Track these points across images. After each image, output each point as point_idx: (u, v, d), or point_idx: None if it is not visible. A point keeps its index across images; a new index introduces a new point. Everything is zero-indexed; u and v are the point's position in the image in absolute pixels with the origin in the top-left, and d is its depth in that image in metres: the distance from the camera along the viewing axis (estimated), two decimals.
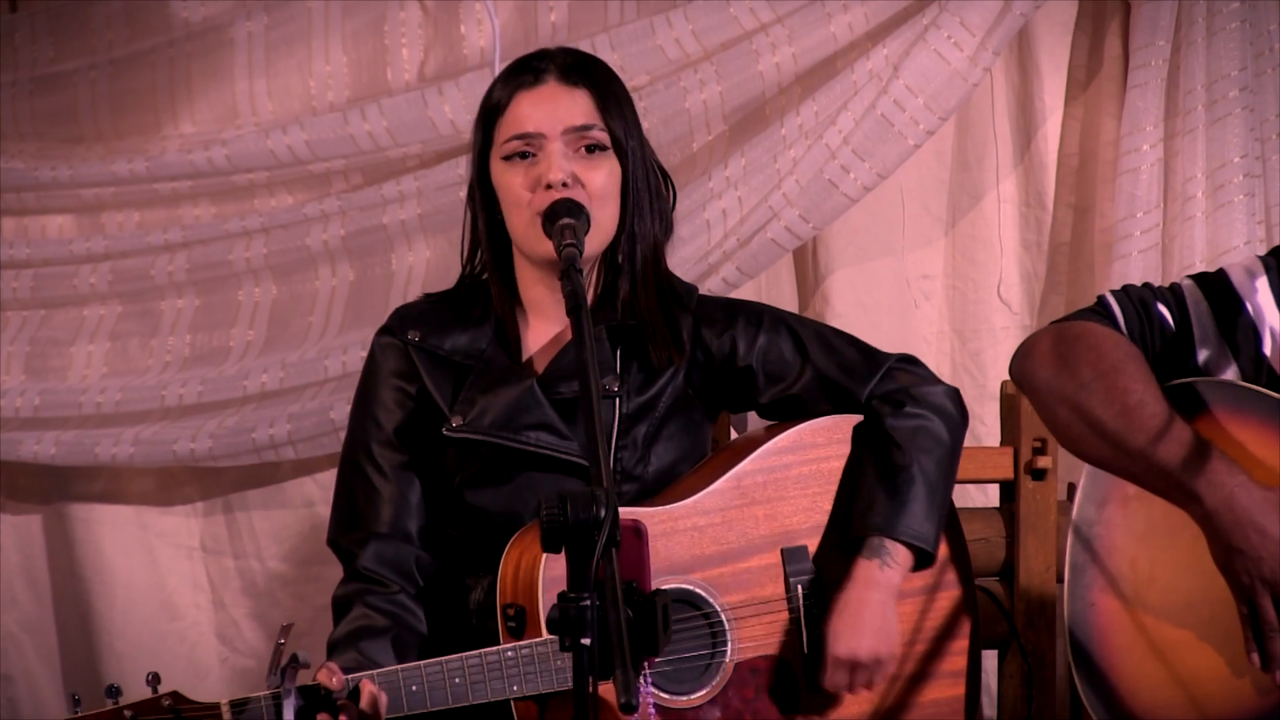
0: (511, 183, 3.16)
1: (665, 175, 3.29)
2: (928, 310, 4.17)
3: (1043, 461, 3.70)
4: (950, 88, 3.92)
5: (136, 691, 2.84)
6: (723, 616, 3.14)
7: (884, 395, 3.24)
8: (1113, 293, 3.13)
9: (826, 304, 4.12)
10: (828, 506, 3.21)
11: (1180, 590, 3.04)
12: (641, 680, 3.04)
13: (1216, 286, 3.10)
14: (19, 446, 4.06)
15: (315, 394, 4.01)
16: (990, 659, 3.81)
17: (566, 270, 2.92)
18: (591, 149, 3.15)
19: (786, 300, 4.15)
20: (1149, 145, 3.99)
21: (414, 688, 2.93)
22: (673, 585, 3.11)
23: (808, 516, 3.21)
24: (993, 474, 3.75)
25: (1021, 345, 3.15)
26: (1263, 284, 3.08)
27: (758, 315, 3.30)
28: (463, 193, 3.93)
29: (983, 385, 4.12)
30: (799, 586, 3.17)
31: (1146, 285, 3.15)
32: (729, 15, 3.92)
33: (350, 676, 2.90)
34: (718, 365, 3.26)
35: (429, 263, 4.05)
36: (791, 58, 3.93)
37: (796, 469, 3.22)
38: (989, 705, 3.86)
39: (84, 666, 4.19)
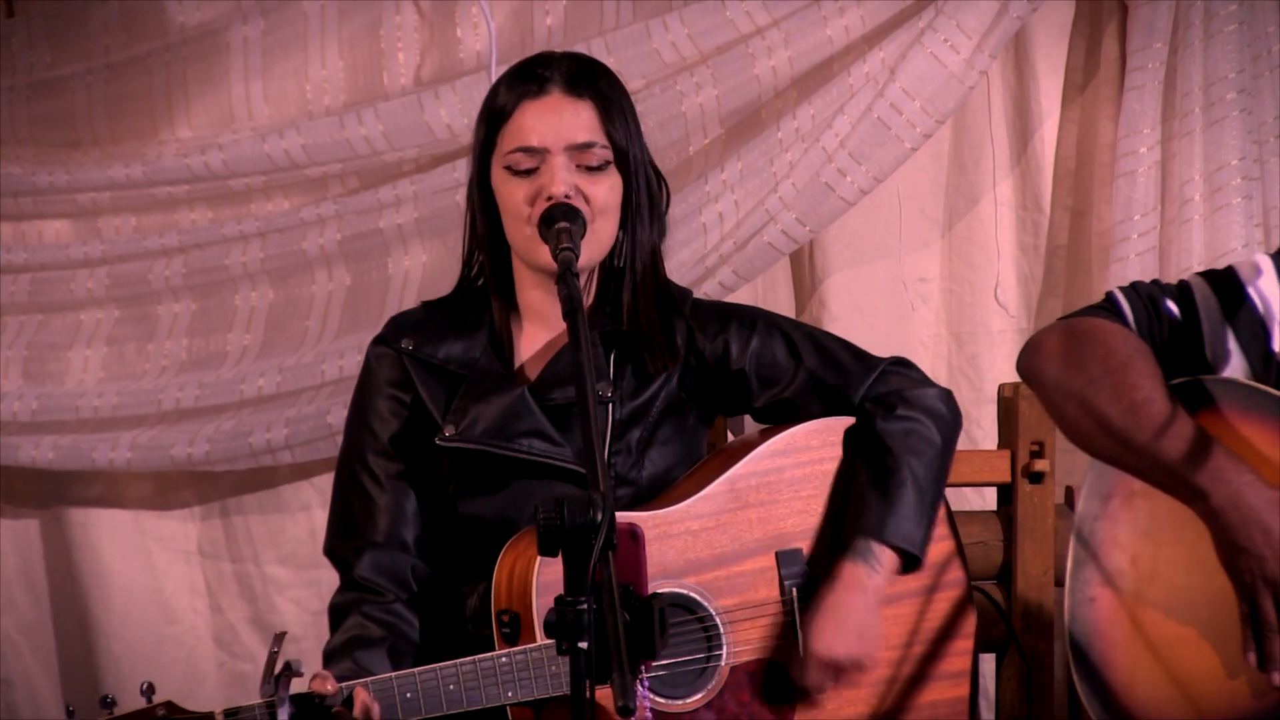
0: (513, 193, 3.16)
1: (660, 175, 3.29)
2: (924, 313, 4.17)
3: (1040, 465, 3.70)
4: (947, 91, 3.92)
5: (132, 697, 2.83)
6: (717, 620, 3.14)
7: (876, 398, 3.24)
8: (1121, 289, 3.13)
9: (823, 307, 4.12)
10: (821, 509, 3.21)
11: (1181, 588, 3.04)
12: (639, 684, 3.04)
13: (1224, 283, 3.09)
14: (17, 451, 4.06)
15: (312, 398, 4.01)
16: (988, 662, 3.81)
17: (563, 274, 2.93)
18: (592, 166, 3.15)
19: (783, 304, 4.15)
20: (1146, 148, 3.99)
21: (409, 695, 2.93)
22: (667, 589, 3.11)
23: (802, 519, 3.20)
24: (990, 477, 3.75)
25: (1029, 341, 3.15)
26: (1271, 281, 3.08)
27: (751, 319, 3.30)
28: (459, 196, 3.95)
29: (980, 388, 4.11)
30: (793, 589, 3.17)
31: (1155, 282, 3.14)
32: (725, 18, 3.92)
33: (344, 684, 2.90)
34: (711, 369, 3.26)
35: (425, 267, 4.05)
36: (788, 61, 3.93)
37: (790, 472, 3.22)
38: (987, 708, 3.86)
39: (82, 670, 4.19)
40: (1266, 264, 3.10)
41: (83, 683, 4.17)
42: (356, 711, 2.89)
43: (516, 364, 3.23)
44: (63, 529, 4.18)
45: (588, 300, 3.22)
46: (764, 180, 3.95)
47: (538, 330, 3.25)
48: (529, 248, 3.15)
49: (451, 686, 2.95)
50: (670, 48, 3.92)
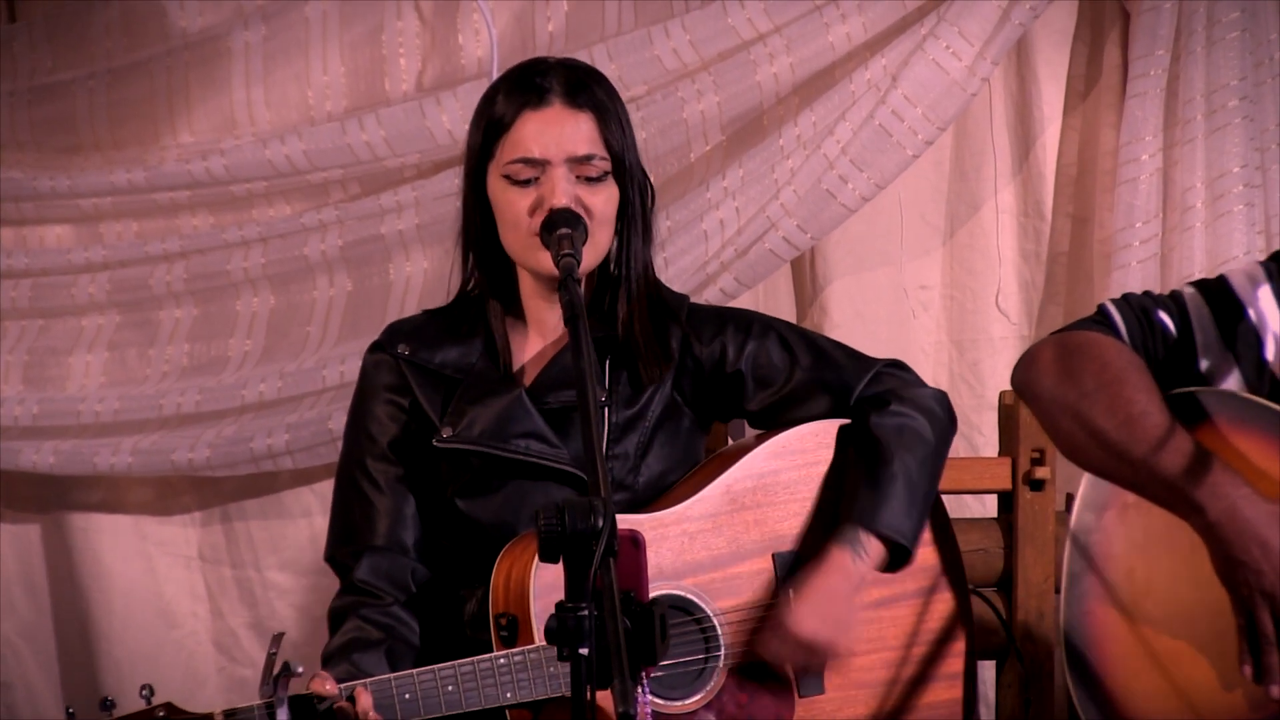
0: (512, 202, 3.17)
1: (646, 177, 3.29)
2: (926, 320, 4.17)
3: (1041, 472, 3.69)
4: (948, 97, 3.92)
5: (132, 701, 2.84)
6: (715, 622, 3.14)
7: (871, 397, 3.25)
8: (1113, 301, 3.13)
9: (824, 314, 4.12)
10: (818, 511, 3.21)
11: (1177, 601, 3.04)
12: (640, 690, 3.04)
13: (1217, 292, 3.09)
14: (18, 456, 4.06)
15: (313, 404, 4.01)
16: (988, 669, 3.81)
17: (564, 280, 2.94)
18: (591, 178, 3.16)
19: (784, 310, 4.15)
20: (1148, 155, 3.99)
21: (407, 695, 2.94)
22: (664, 591, 3.11)
23: (798, 521, 3.21)
24: (991, 484, 3.75)
25: (1024, 355, 3.15)
26: (1265, 289, 3.08)
27: (747, 322, 3.31)
28: (460, 203, 3.95)
29: (981, 395, 4.11)
30: (790, 591, 3.17)
31: (1146, 293, 3.14)
32: (727, 25, 3.92)
33: (343, 685, 2.91)
34: (708, 373, 3.27)
35: (426, 273, 4.05)
36: (789, 68, 3.93)
37: (786, 474, 3.23)
38: (986, 715, 3.86)
39: (82, 675, 4.19)
40: (1259, 272, 3.10)
41: (83, 687, 4.17)
42: (360, 710, 2.89)
43: (514, 369, 3.24)
44: (63, 534, 4.18)
45: (587, 304, 3.23)
46: (765, 187, 3.95)
47: (535, 335, 3.27)
48: (529, 255, 3.16)
49: (450, 688, 2.95)
50: (672, 54, 3.92)
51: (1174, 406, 2.99)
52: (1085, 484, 3.16)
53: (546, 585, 2.98)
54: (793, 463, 3.24)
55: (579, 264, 3.02)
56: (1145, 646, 3.04)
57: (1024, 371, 3.12)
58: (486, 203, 3.23)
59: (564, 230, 3.07)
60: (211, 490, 4.18)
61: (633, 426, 3.22)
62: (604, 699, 2.42)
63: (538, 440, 3.16)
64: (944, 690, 3.27)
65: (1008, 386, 3.90)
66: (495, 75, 3.93)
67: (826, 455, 3.25)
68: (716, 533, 3.17)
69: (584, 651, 2.43)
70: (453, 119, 3.94)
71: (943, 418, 3.26)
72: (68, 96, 4.06)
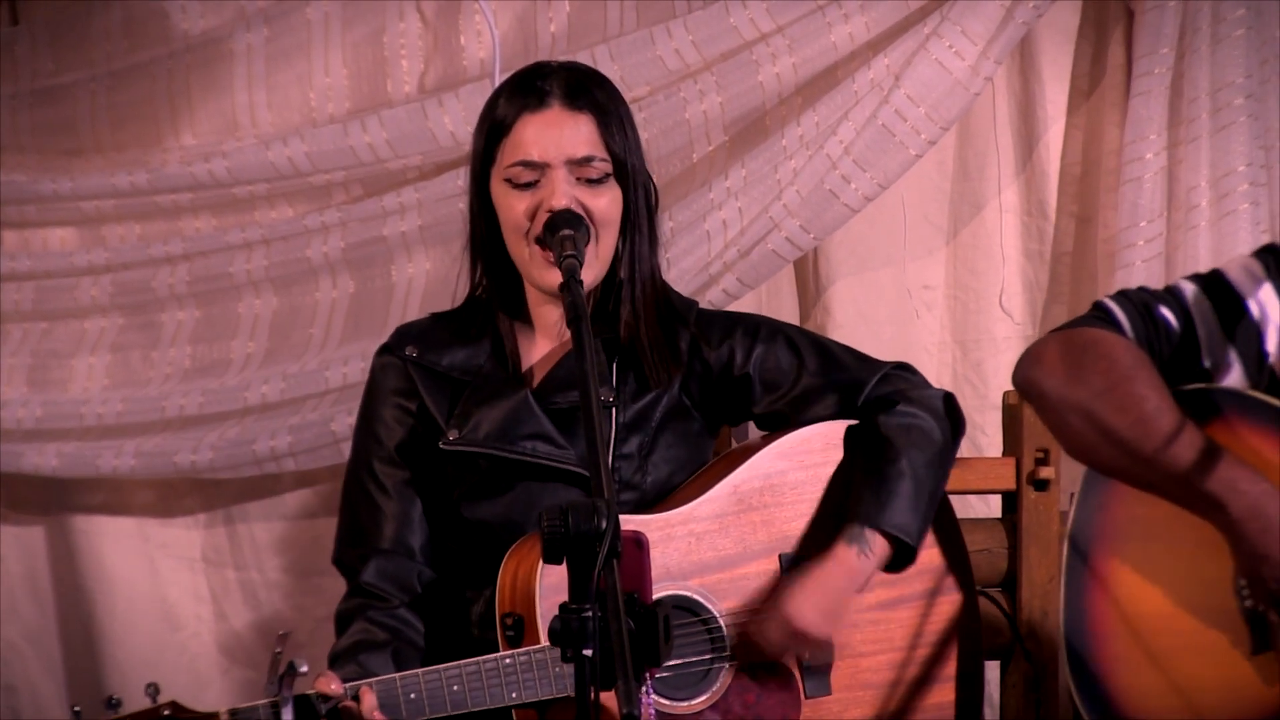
0: (513, 206, 3.17)
1: (649, 179, 3.29)
2: (929, 321, 4.16)
3: (1045, 472, 3.69)
4: (952, 97, 3.91)
5: (138, 702, 2.83)
6: (721, 623, 3.14)
7: (878, 398, 3.26)
8: (1111, 298, 3.12)
9: (828, 315, 4.11)
10: (824, 511, 3.21)
11: (1176, 598, 3.04)
12: (644, 691, 3.04)
13: (1216, 285, 3.09)
14: (21, 458, 4.07)
15: (316, 406, 4.01)
16: (993, 669, 3.81)
17: (567, 282, 2.94)
18: (592, 180, 3.16)
19: (787, 311, 4.14)
20: (1152, 154, 3.98)
21: (413, 695, 2.94)
22: (670, 592, 3.11)
23: (805, 522, 3.21)
24: (995, 484, 3.74)
25: (1026, 353, 3.14)
26: (1266, 285, 3.07)
27: (755, 326, 3.31)
28: (463, 204, 3.95)
29: (984, 395, 4.11)
30: (793, 580, 3.17)
31: (1144, 289, 3.14)
32: (729, 25, 3.92)
33: (349, 685, 2.91)
34: (715, 376, 3.27)
35: (429, 274, 4.05)
36: (792, 68, 3.93)
37: (793, 475, 3.23)
38: (991, 715, 3.85)
39: (86, 677, 4.19)
40: (1256, 265, 3.10)
41: (87, 689, 4.17)
42: (364, 709, 2.89)
43: (521, 370, 3.24)
44: (67, 536, 4.19)
45: (590, 308, 3.23)
46: (768, 187, 3.95)
47: (542, 337, 3.27)
48: (529, 269, 3.18)
49: (455, 687, 2.95)
50: (674, 54, 3.92)
51: (1181, 402, 2.99)
52: (1082, 482, 3.15)
53: (552, 586, 2.98)
54: (800, 463, 3.24)
55: (581, 265, 3.01)
56: (1144, 643, 3.05)
57: (1028, 370, 3.11)
58: (492, 207, 3.23)
59: (566, 231, 3.07)
60: (214, 492, 4.18)
61: (639, 427, 3.22)
62: (608, 700, 2.42)
63: (544, 442, 3.16)
64: (950, 691, 3.27)
65: (1011, 386, 3.90)
66: (497, 76, 3.93)
67: (834, 456, 3.25)
68: (723, 533, 3.17)
69: (588, 652, 2.43)
70: (455, 120, 3.94)
71: (948, 418, 3.27)
72: (69, 99, 4.07)
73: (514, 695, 2.97)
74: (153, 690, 2.80)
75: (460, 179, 3.97)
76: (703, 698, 3.14)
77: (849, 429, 3.26)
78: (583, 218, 3.12)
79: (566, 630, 2.45)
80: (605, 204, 3.17)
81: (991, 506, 3.91)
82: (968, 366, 4.16)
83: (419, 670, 2.96)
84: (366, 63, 4.07)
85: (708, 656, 3.15)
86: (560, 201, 3.13)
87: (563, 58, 3.88)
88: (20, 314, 4.12)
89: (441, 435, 3.19)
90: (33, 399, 4.09)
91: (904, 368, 3.32)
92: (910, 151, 3.92)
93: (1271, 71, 3.99)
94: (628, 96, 3.76)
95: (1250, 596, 2.96)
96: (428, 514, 3.24)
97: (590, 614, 2.44)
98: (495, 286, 3.26)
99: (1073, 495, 3.77)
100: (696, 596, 3.14)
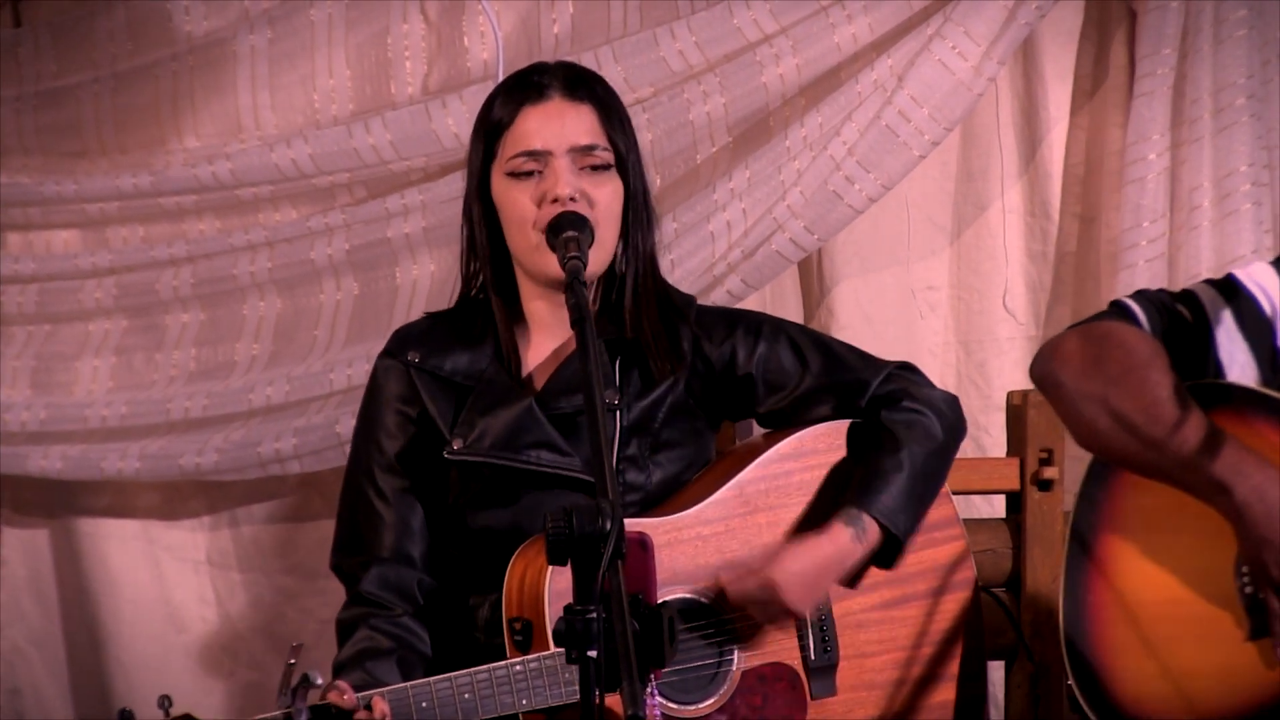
0: (517, 199, 3.17)
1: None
2: (933, 321, 4.16)
3: (1049, 472, 3.69)
4: (955, 98, 3.91)
5: (142, 707, 2.82)
6: (729, 626, 3.14)
7: (882, 396, 3.26)
8: (1130, 296, 3.14)
9: (831, 316, 4.11)
10: (829, 510, 3.21)
11: (1175, 585, 3.05)
12: (649, 693, 3.04)
13: (1228, 287, 3.11)
14: (25, 461, 4.07)
15: (320, 408, 4.01)
16: (997, 669, 3.81)
17: (571, 283, 2.92)
18: (595, 168, 3.16)
19: (791, 312, 4.14)
20: (1155, 154, 3.98)
21: (424, 704, 2.93)
22: (679, 595, 3.11)
23: (811, 523, 3.21)
24: (999, 485, 3.74)
25: (1044, 347, 3.16)
26: (1273, 280, 3.09)
27: (757, 324, 3.31)
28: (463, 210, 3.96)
29: (988, 396, 4.11)
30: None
31: (1161, 290, 3.16)
32: (733, 26, 3.92)
33: (361, 695, 2.90)
34: (718, 374, 3.27)
35: (433, 276, 4.05)
36: (795, 69, 3.93)
37: (798, 475, 3.23)
38: (996, 715, 3.85)
39: (92, 680, 4.19)
40: (1266, 267, 3.12)
41: (92, 692, 4.17)
42: (376, 717, 2.88)
43: (523, 374, 3.24)
44: (72, 539, 4.19)
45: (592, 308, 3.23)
46: (772, 188, 3.95)
47: (543, 340, 3.26)
48: (533, 258, 3.16)
49: (466, 695, 2.95)
50: (678, 56, 3.92)
51: (1194, 396, 3.00)
52: (1086, 472, 3.16)
53: (561, 590, 2.98)
54: (805, 464, 3.24)
55: (585, 267, 3.01)
56: (1141, 630, 3.05)
57: (1046, 363, 3.13)
58: (492, 210, 3.22)
59: (570, 233, 3.06)
60: (219, 494, 4.18)
61: (643, 427, 3.22)
62: (614, 702, 2.42)
63: (549, 450, 3.16)
64: (954, 689, 3.28)
65: (1016, 387, 3.91)
66: (501, 77, 3.92)
67: (838, 457, 3.25)
68: (730, 535, 3.17)
69: (593, 654, 2.43)
70: (459, 122, 3.94)
71: (952, 419, 3.27)
72: (73, 101, 4.07)
73: (524, 702, 2.97)
74: (166, 703, 2.79)
75: (463, 180, 3.97)
76: (710, 700, 3.14)
77: (852, 426, 3.26)
78: (586, 219, 3.11)
79: (571, 632, 2.45)
80: (609, 194, 3.17)
81: (995, 507, 3.91)
82: (971, 367, 4.16)
83: (430, 679, 2.96)
84: (370, 64, 4.07)
85: (715, 660, 3.15)
86: (564, 190, 3.12)
87: (566, 59, 3.89)
88: (24, 316, 4.12)
89: (444, 442, 3.19)
90: (37, 401, 4.09)
91: (907, 368, 3.33)
92: (914, 152, 3.92)
93: (1274, 71, 3.99)
94: (631, 98, 3.78)
95: (1251, 582, 2.97)
96: (429, 520, 3.23)
97: (595, 615, 2.44)
98: (496, 289, 3.25)
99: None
100: (704, 599, 3.14)
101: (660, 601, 2.68)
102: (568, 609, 2.46)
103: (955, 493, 3.35)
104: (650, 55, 3.92)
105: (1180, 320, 3.09)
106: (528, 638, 3.01)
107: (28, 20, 4.14)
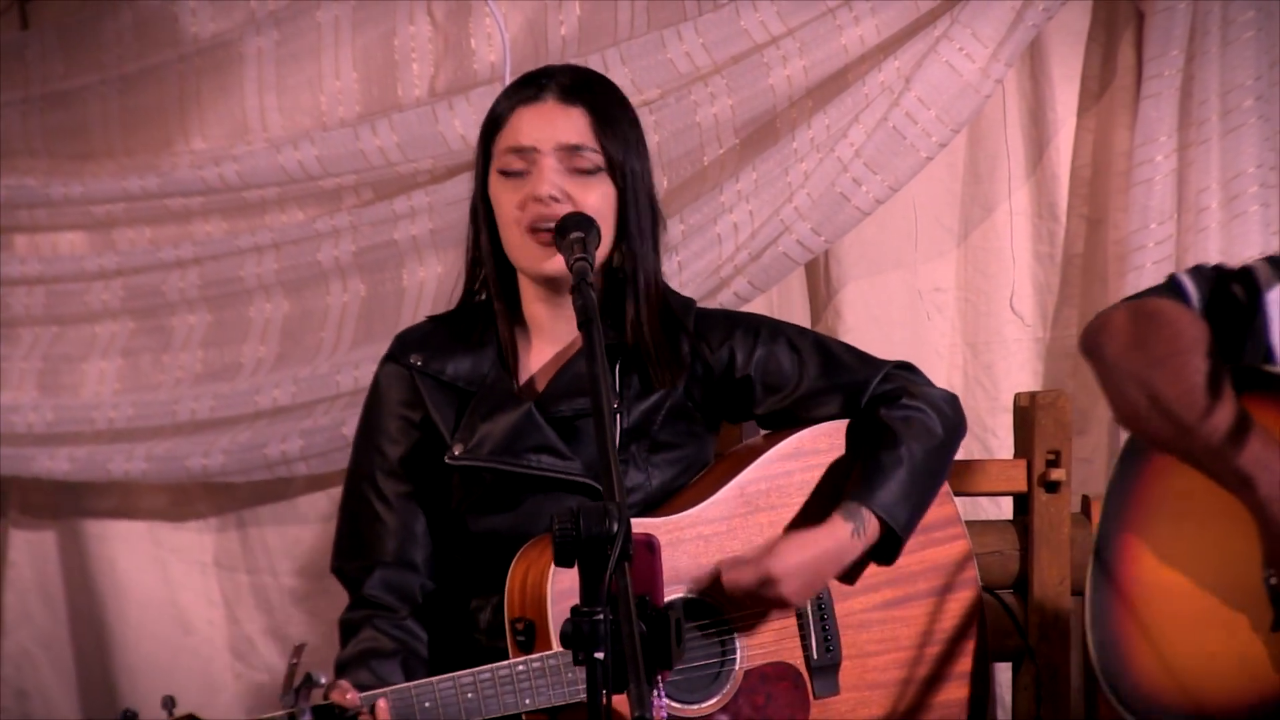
0: (504, 198, 3.18)
1: (651, 189, 3.28)
2: (940, 323, 4.16)
3: (1056, 474, 3.69)
4: (962, 99, 3.91)
5: (149, 709, 2.82)
6: (731, 625, 3.14)
7: (882, 395, 3.26)
8: (1186, 272, 3.13)
9: (838, 317, 4.11)
10: (829, 510, 3.21)
11: (1201, 572, 3.04)
12: (656, 695, 3.04)
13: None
14: (32, 463, 4.07)
15: (327, 409, 4.01)
16: (1004, 671, 3.81)
17: (577, 284, 2.92)
18: (583, 170, 3.16)
19: (798, 314, 4.14)
20: (1163, 156, 3.98)
21: (427, 704, 2.93)
22: (680, 595, 3.12)
23: (812, 523, 3.21)
24: (1006, 486, 3.74)
25: (1095, 319, 3.15)
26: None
27: (755, 326, 3.31)
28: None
29: (995, 397, 4.10)
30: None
31: (1218, 266, 3.14)
32: (739, 28, 3.92)
33: (364, 695, 2.90)
34: (717, 377, 3.27)
35: (440, 278, 4.05)
36: (803, 70, 3.93)
37: (799, 475, 3.23)
38: (1003, 717, 3.85)
39: (98, 682, 4.19)
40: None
41: (99, 694, 4.18)
42: (380, 718, 2.88)
43: (524, 378, 3.24)
44: (78, 541, 4.19)
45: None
46: (779, 190, 3.95)
47: (543, 343, 3.26)
48: (519, 253, 3.17)
49: (470, 695, 2.95)
50: (685, 57, 3.92)
51: (1239, 379, 2.99)
52: (1120, 455, 3.15)
53: (564, 590, 2.98)
54: (806, 464, 3.24)
55: (592, 268, 3.01)
56: (1164, 617, 3.05)
57: (1094, 336, 3.12)
58: (493, 211, 3.23)
59: (577, 234, 3.06)
60: (226, 496, 4.18)
61: (643, 430, 3.22)
62: (621, 703, 2.42)
63: (549, 454, 3.16)
64: (957, 689, 3.28)
65: (1023, 388, 3.91)
66: (508, 79, 3.93)
67: (839, 455, 3.26)
68: (731, 536, 3.17)
69: (599, 656, 2.43)
70: (465, 123, 3.94)
71: (952, 416, 3.27)
72: (80, 103, 4.07)
73: (528, 702, 2.97)
74: (169, 703, 2.79)
75: (470, 182, 3.97)
76: (713, 700, 3.14)
77: (852, 425, 3.27)
78: (593, 220, 3.11)
79: (578, 633, 2.45)
80: (597, 197, 3.16)
81: (1002, 508, 3.90)
82: (978, 368, 4.15)
83: (433, 679, 2.96)
84: (377, 66, 4.07)
85: (718, 659, 3.15)
86: (545, 189, 3.12)
87: (573, 60, 3.89)
88: (31, 318, 4.13)
89: (445, 447, 3.19)
90: (44, 403, 4.09)
91: (906, 367, 3.33)
92: (921, 154, 3.92)
93: None
94: (638, 99, 3.77)
95: (1275, 574, 2.97)
96: (431, 524, 3.23)
97: (602, 617, 2.44)
98: (497, 291, 3.25)
99: (1085, 497, 3.79)
100: (706, 599, 3.15)
101: (667, 603, 2.68)
102: (574, 610, 2.46)
103: (962, 494, 3.36)
104: (657, 57, 3.92)
105: (1233, 301, 3.08)
106: (530, 638, 3.01)
107: (35, 22, 4.15)
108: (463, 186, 3.98)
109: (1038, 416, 3.70)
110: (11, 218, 4.10)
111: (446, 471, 3.20)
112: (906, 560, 3.24)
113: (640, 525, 3.06)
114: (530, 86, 3.21)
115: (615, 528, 2.45)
